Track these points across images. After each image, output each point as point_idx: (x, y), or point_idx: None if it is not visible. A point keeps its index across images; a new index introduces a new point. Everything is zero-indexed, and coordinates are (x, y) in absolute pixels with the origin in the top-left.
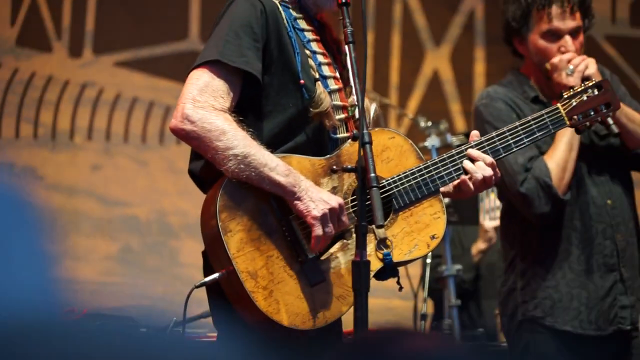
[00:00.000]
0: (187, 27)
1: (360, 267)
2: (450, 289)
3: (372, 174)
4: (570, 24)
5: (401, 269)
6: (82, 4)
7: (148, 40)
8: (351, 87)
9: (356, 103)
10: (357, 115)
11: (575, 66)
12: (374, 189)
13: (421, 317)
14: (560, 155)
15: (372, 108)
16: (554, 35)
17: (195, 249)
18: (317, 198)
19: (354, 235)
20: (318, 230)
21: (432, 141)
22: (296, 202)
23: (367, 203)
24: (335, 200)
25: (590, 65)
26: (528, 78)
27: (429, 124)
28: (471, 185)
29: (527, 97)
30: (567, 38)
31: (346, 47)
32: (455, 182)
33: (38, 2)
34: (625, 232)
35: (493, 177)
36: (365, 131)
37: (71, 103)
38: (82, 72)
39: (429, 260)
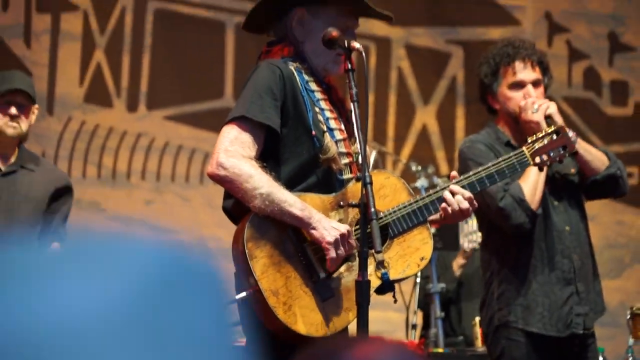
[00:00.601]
0: (223, 88)
1: (362, 285)
2: (436, 304)
3: (372, 209)
4: (531, 76)
5: (396, 286)
6: (137, 68)
7: (191, 98)
8: (355, 137)
9: (359, 151)
10: (360, 160)
11: (539, 105)
12: (374, 221)
13: (412, 327)
14: (531, 179)
15: (372, 155)
16: (519, 86)
17: (228, 268)
18: (329, 227)
19: (357, 258)
20: (332, 253)
21: (422, 182)
22: (312, 231)
23: (368, 232)
24: (344, 227)
25: (551, 106)
26: (501, 128)
27: (419, 168)
28: (451, 214)
29: (502, 142)
30: (530, 87)
31: (352, 105)
32: (439, 213)
33: (101, 67)
34: (580, 254)
35: (470, 209)
36: (366, 173)
37: (128, 150)
38: (137, 124)
39: (418, 280)
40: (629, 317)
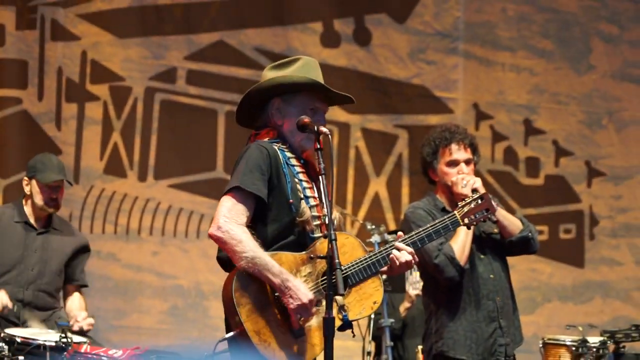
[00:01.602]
0: (215, 162)
1: (328, 321)
2: (386, 335)
3: (337, 260)
4: (464, 155)
5: (355, 322)
6: (146, 147)
7: (189, 170)
8: (323, 203)
9: (327, 213)
10: (327, 221)
11: (467, 181)
12: (338, 270)
13: (367, 354)
14: (460, 239)
15: (337, 216)
16: (454, 164)
17: (220, 307)
18: (296, 296)
19: (324, 302)
20: (294, 317)
21: (375, 238)
22: (282, 296)
23: (332, 280)
24: (306, 298)
25: (477, 181)
26: (438, 196)
27: (373, 226)
28: (397, 266)
29: (438, 208)
30: (462, 165)
31: (320, 177)
32: (387, 266)
33: (118, 145)
34: (502, 296)
35: (412, 261)
36: (332, 232)
37: (139, 211)
38: (146, 191)
39: (372, 316)
40: (541, 345)
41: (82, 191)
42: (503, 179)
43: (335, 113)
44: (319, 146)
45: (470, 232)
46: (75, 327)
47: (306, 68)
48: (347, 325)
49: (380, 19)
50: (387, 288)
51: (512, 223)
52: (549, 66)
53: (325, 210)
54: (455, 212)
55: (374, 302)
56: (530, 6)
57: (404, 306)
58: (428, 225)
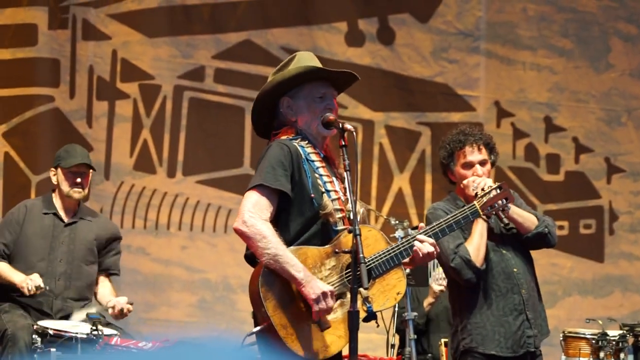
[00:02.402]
0: (242, 159)
1: (353, 315)
2: (410, 328)
3: (361, 254)
4: (478, 157)
5: (379, 314)
6: (175, 144)
7: (217, 167)
8: (347, 198)
9: (351, 208)
10: (351, 216)
11: (478, 184)
12: (362, 264)
13: (391, 346)
14: (475, 241)
15: (361, 210)
16: (469, 166)
17: (247, 300)
18: (313, 291)
19: (348, 295)
20: (315, 308)
21: (399, 233)
22: (302, 289)
23: (357, 273)
24: (321, 290)
25: (486, 182)
26: (458, 196)
27: (397, 222)
28: (420, 258)
29: (458, 207)
30: (477, 166)
31: (345, 173)
32: (410, 257)
33: (147, 142)
34: (527, 288)
35: (434, 252)
36: (357, 227)
37: (168, 207)
38: (175, 187)
39: (396, 309)
40: (561, 338)
41: (112, 187)
42: (524, 175)
43: (360, 111)
44: (343, 143)
45: (485, 232)
46: (116, 310)
47: (302, 61)
48: (371, 316)
49: (404, 19)
50: (411, 282)
51: (527, 219)
52: (569, 65)
53: (349, 203)
54: (475, 202)
55: (398, 293)
56: (550, 6)
57: (427, 301)
58: (449, 216)
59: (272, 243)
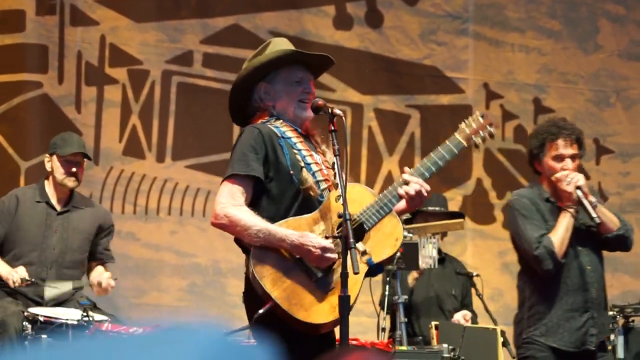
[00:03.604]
0: (231, 143)
1: (344, 300)
2: (400, 311)
3: (352, 239)
4: (570, 151)
5: (369, 298)
6: (164, 128)
7: (206, 151)
8: (331, 170)
9: (340, 192)
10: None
11: (571, 178)
12: (352, 249)
13: (381, 330)
14: (560, 234)
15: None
16: (559, 158)
17: (237, 284)
18: (307, 247)
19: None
20: (317, 263)
21: None
22: (299, 254)
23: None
24: (320, 244)
25: (580, 178)
26: (543, 186)
27: None
28: (411, 199)
29: (542, 197)
30: (568, 160)
31: (335, 157)
32: (401, 201)
33: (136, 127)
34: (597, 288)
35: (421, 190)
36: (347, 212)
37: (157, 191)
38: (164, 172)
39: (387, 292)
40: None
41: (101, 172)
42: (514, 156)
43: (349, 94)
44: (333, 128)
45: (571, 227)
46: (96, 283)
47: (277, 46)
48: (374, 269)
49: (392, 2)
50: (401, 265)
51: (610, 220)
52: (557, 46)
53: (340, 189)
54: (456, 134)
55: (396, 239)
56: None
57: (412, 276)
58: (431, 153)
59: (249, 223)
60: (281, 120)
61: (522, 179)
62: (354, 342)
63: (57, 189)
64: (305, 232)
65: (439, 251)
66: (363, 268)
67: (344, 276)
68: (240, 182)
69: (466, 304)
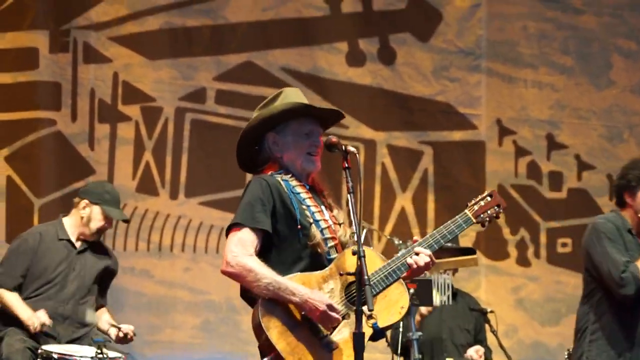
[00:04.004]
0: (244, 180)
1: (358, 336)
2: (414, 348)
3: (366, 276)
4: None
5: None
6: (177, 165)
7: (219, 188)
8: (351, 220)
9: (355, 230)
10: (354, 237)
11: None
12: (368, 285)
13: None
14: None
15: (363, 233)
16: None
17: (248, 320)
18: (314, 306)
19: (352, 316)
20: (320, 321)
21: (402, 253)
22: (305, 311)
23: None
24: (323, 304)
25: None
26: (626, 216)
27: (400, 242)
28: (417, 270)
29: (625, 227)
30: None
31: (348, 195)
32: (408, 271)
33: (150, 164)
34: None
35: (430, 263)
36: (361, 249)
37: (171, 228)
38: (178, 209)
39: (400, 329)
40: (566, 356)
41: None
42: (527, 193)
43: (362, 130)
44: (346, 165)
45: None
46: (122, 333)
47: (289, 97)
48: (378, 333)
49: (404, 38)
50: (415, 302)
51: None
52: (570, 82)
53: (353, 226)
54: (466, 210)
55: (402, 307)
56: (550, 24)
57: (419, 313)
58: (441, 227)
59: (260, 274)
60: (290, 174)
61: (536, 215)
62: None
63: (79, 230)
64: (314, 289)
65: (451, 287)
66: (368, 331)
67: (358, 313)
68: (248, 233)
69: (480, 340)
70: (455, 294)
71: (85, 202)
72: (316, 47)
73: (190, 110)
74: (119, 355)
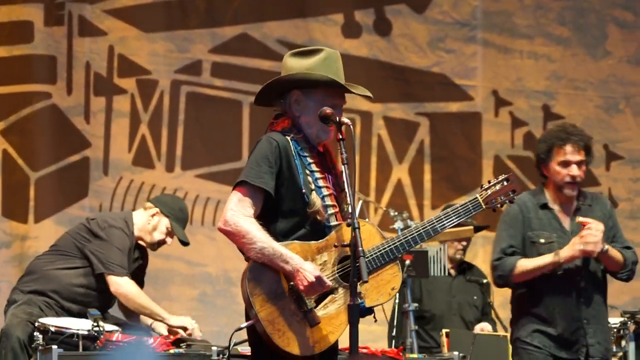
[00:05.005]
0: (241, 152)
1: (353, 308)
2: (411, 319)
3: (360, 247)
4: (577, 158)
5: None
6: (173, 138)
7: (215, 160)
8: (346, 191)
9: (349, 202)
10: (349, 209)
11: (590, 240)
12: (362, 257)
13: (392, 338)
14: (530, 266)
15: (358, 205)
16: (566, 164)
17: None
18: (303, 276)
19: (339, 290)
20: (305, 292)
21: (398, 224)
22: (293, 280)
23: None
24: (313, 275)
25: (597, 240)
26: (547, 191)
27: (396, 213)
28: None
29: (539, 203)
30: (574, 166)
31: (343, 167)
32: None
33: (145, 137)
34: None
35: None
36: (355, 220)
37: None
38: (174, 181)
39: (396, 301)
40: None
41: (111, 182)
42: (523, 164)
43: (358, 102)
44: (341, 137)
45: (548, 269)
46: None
47: (327, 62)
48: (364, 312)
49: (400, 10)
50: (411, 273)
51: (616, 263)
52: (566, 53)
53: (348, 198)
54: (477, 195)
55: (392, 289)
56: None
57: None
58: (449, 210)
59: (256, 237)
60: (302, 135)
61: (532, 186)
62: (364, 351)
63: (141, 233)
64: (307, 262)
65: (462, 261)
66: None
67: (353, 284)
68: (251, 193)
69: (485, 313)
70: (465, 268)
71: (156, 210)
72: (311, 19)
73: (186, 82)
74: (115, 328)
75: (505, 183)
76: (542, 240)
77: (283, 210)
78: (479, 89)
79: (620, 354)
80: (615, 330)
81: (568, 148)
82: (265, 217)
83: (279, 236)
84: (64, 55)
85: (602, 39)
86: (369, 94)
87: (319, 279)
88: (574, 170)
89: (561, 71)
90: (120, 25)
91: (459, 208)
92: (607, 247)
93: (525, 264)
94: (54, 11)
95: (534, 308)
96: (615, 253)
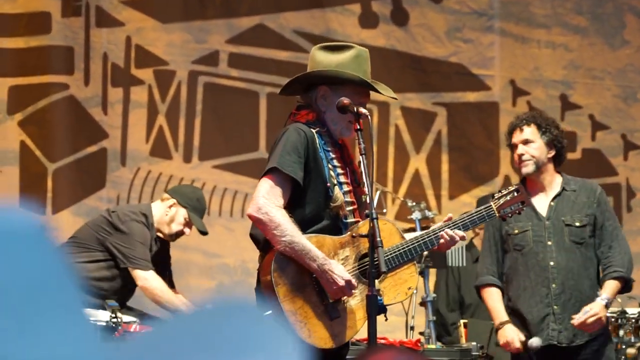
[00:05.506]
0: (258, 143)
1: (371, 299)
2: (429, 310)
3: (379, 238)
4: (520, 137)
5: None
6: (191, 129)
7: (233, 151)
8: (364, 182)
9: (367, 192)
10: (367, 201)
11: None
12: (380, 247)
13: (410, 328)
14: (489, 306)
15: (376, 195)
16: (514, 147)
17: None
18: (332, 279)
19: (359, 286)
20: (333, 294)
21: (416, 215)
22: (320, 279)
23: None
24: (343, 280)
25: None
26: (526, 181)
27: (413, 203)
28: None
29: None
30: (520, 146)
31: (360, 157)
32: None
33: (163, 128)
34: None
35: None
36: (373, 210)
37: None
38: (191, 172)
39: (415, 291)
40: None
41: (129, 173)
42: None
43: (375, 93)
44: (358, 127)
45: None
46: None
47: (357, 61)
48: (381, 309)
49: (417, 0)
50: (429, 264)
51: (620, 292)
52: (584, 42)
53: (366, 189)
54: (491, 203)
55: (409, 288)
56: None
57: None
58: (464, 216)
59: (287, 230)
60: (326, 129)
61: None
62: (382, 341)
63: (159, 225)
64: (335, 261)
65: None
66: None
67: (371, 275)
68: (281, 180)
69: None
70: None
71: (173, 201)
72: (328, 9)
73: (203, 73)
74: (133, 319)
75: (515, 194)
76: (516, 231)
77: (304, 202)
78: (496, 78)
79: (639, 344)
80: (633, 320)
81: (515, 133)
82: (288, 209)
83: (300, 226)
84: (81, 46)
85: (620, 28)
86: (394, 95)
87: (348, 282)
88: (520, 149)
89: (579, 60)
90: (137, 16)
91: (474, 215)
92: (605, 303)
93: (488, 297)
94: (71, 2)
95: (509, 293)
96: (614, 293)
